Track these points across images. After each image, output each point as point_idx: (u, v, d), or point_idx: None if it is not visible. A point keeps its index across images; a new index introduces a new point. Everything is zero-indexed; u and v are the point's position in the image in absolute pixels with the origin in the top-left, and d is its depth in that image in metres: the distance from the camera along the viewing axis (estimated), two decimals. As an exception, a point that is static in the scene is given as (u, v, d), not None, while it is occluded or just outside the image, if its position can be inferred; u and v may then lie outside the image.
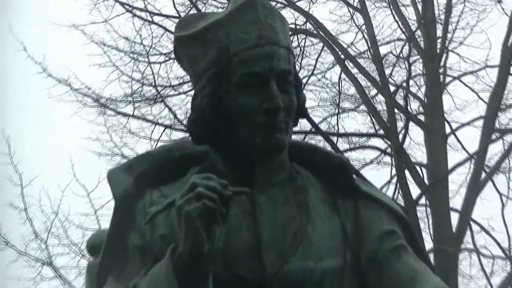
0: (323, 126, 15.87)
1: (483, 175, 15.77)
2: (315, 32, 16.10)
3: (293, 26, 15.49)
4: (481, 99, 16.44)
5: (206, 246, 3.43)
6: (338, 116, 16.34)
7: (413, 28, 16.39)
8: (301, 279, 3.75)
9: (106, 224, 3.81)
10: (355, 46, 16.59)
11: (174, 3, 15.76)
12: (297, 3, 16.21)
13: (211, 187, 3.44)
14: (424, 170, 15.89)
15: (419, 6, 16.39)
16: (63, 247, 15.66)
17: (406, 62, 16.43)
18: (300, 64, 15.38)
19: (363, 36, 16.49)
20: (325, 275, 3.78)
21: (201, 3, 15.68)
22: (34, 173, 15.35)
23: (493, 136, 15.93)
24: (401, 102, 16.22)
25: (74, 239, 15.57)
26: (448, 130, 16.07)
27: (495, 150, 16.02)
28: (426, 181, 15.67)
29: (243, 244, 3.76)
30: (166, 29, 15.54)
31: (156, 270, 3.57)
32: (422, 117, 16.11)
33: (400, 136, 15.89)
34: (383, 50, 16.44)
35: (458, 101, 16.65)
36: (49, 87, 15.78)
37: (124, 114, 15.74)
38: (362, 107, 16.37)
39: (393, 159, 15.92)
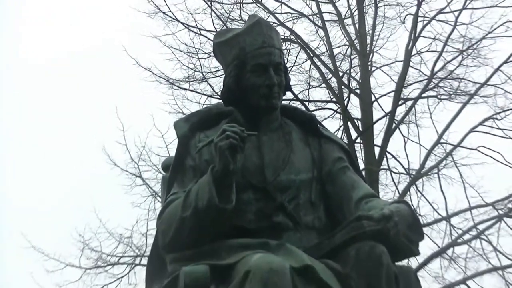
0: (300, 96, 16.18)
1: (394, 125, 16.05)
2: (295, 40, 16.38)
3: (283, 36, 15.15)
4: (393, 80, 16.65)
5: (232, 166, 3.86)
6: (309, 90, 16.71)
7: (353, 38, 16.59)
8: (287, 185, 4.22)
9: (172, 152, 4.34)
10: (319, 49, 16.75)
11: (213, 23, 16.06)
12: (285, 23, 16.48)
13: (234, 131, 3.85)
14: (359, 122, 16.04)
15: (357, 25, 16.59)
16: (148, 167, 15.61)
17: (349, 58, 16.83)
18: (287, 59, 15.37)
19: (324, 43, 16.69)
20: (301, 183, 4.26)
21: (229, 23, 15.86)
22: (130, 123, 15.53)
23: (400, 102, 16.16)
24: (346, 81, 16.40)
25: (154, 162, 15.47)
26: (373, 98, 16.35)
27: (401, 110, 16.31)
28: (360, 128, 15.89)
29: (253, 165, 4.24)
30: (208, 38, 15.70)
31: (202, 180, 3.99)
32: (358, 91, 16.33)
33: (345, 102, 16.13)
34: (335, 51, 16.64)
35: (379, 81, 16.88)
36: (138, 73, 16.14)
37: (184, 88, 15.98)
38: (323, 85, 16.53)
39: (341, 115, 16.14)
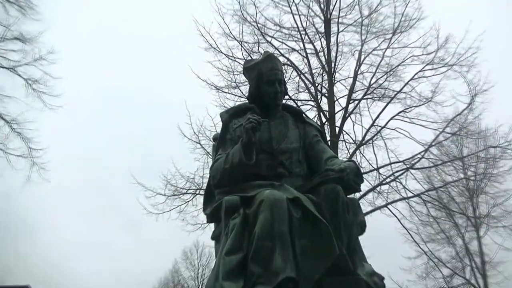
0: (293, 97, 15.99)
1: (347, 114, 15.82)
2: (290, 64, 16.20)
3: (283, 62, 14.95)
4: (346, 88, 16.29)
5: (253, 139, 3.88)
6: (298, 94, 16.46)
7: (324, 63, 16.31)
8: (285, 150, 4.19)
9: (219, 130, 4.25)
10: (304, 69, 16.47)
11: (242, 54, 15.84)
12: (285, 55, 16.20)
13: (255, 118, 3.90)
14: (327, 113, 15.82)
15: (326, 57, 16.30)
16: (204, 137, 15.38)
17: (321, 76, 16.46)
18: (285, 76, 14.31)
19: (307, 66, 16.43)
20: (293, 149, 4.23)
21: (252, 55, 15.66)
22: (194, 111, 15.43)
23: (350, 101, 15.88)
24: (319, 89, 16.22)
25: (208, 135, 15.27)
26: (335, 99, 16.12)
27: (351, 106, 15.96)
28: (327, 116, 15.73)
29: (265, 138, 4.20)
30: (239, 63, 15.56)
31: (236, 147, 4.00)
32: (326, 94, 16.11)
33: (319, 101, 16.05)
34: (314, 71, 16.34)
35: (339, 89, 16.49)
36: (198, 82, 16.53)
37: (225, 92, 15.86)
38: (306, 91, 16.33)
39: (316, 109, 15.95)
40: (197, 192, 15.25)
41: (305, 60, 16.69)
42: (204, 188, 4.53)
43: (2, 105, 13.97)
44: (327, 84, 16.44)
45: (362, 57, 16.47)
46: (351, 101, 16.23)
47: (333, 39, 16.57)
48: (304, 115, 4.59)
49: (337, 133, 15.75)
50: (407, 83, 16.16)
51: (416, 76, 16.17)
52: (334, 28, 16.62)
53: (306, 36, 16.65)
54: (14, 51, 13.88)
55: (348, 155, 15.80)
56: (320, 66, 16.63)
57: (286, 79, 15.31)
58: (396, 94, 16.16)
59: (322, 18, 16.77)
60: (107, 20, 55.11)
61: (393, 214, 15.88)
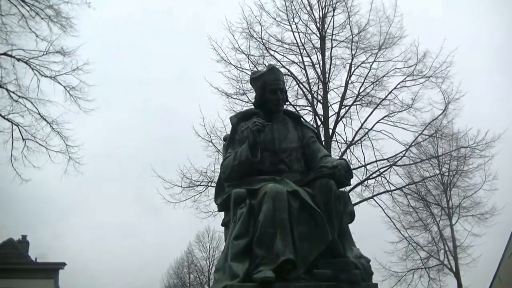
0: (293, 103, 15.72)
1: (339, 118, 15.65)
2: (291, 75, 15.99)
3: (284, 73, 14.61)
4: (338, 95, 16.19)
5: (258, 139, 3.84)
6: (297, 100, 16.22)
7: (319, 74, 16.13)
8: (286, 149, 4.10)
9: (229, 132, 4.17)
10: (302, 79, 16.27)
11: (249, 66, 15.71)
12: (286, 66, 16.00)
13: (260, 122, 3.86)
14: (322, 116, 15.66)
15: (321, 68, 16.12)
16: (216, 137, 14.99)
17: (317, 85, 16.31)
18: (286, 85, 14.53)
19: (305, 76, 16.26)
20: (293, 148, 4.14)
21: (258, 66, 15.51)
22: (207, 114, 15.30)
23: (342, 107, 15.85)
24: (316, 96, 16.05)
25: (219, 135, 14.81)
26: (329, 105, 15.93)
27: (343, 111, 15.86)
28: (322, 120, 15.59)
29: (268, 138, 4.10)
30: (246, 73, 15.38)
31: (243, 146, 3.95)
32: (321, 101, 15.90)
33: (315, 106, 15.87)
34: (311, 81, 16.20)
35: (332, 96, 16.36)
36: (211, 90, 15.79)
37: (234, 98, 15.65)
38: (304, 98, 16.11)
39: (313, 113, 15.80)
40: (209, 184, 15.19)
41: (303, 71, 16.61)
42: (216, 181, 4.54)
43: (44, 109, 14.47)
44: (322, 92, 16.35)
45: (352, 69, 16.39)
46: (342, 107, 16.14)
47: (327, 54, 16.52)
48: (302, 119, 4.52)
49: (330, 134, 15.66)
50: (390, 92, 16.13)
51: (398, 86, 16.16)
52: (328, 44, 16.60)
53: (304, 51, 16.63)
54: (55, 62, 14.37)
55: (340, 153, 15.72)
56: (316, 77, 16.57)
57: (286, 87, 15.17)
58: (381, 101, 16.10)
59: (318, 35, 16.74)
60: (130, 37, 55.30)
61: (378, 204, 16.00)
